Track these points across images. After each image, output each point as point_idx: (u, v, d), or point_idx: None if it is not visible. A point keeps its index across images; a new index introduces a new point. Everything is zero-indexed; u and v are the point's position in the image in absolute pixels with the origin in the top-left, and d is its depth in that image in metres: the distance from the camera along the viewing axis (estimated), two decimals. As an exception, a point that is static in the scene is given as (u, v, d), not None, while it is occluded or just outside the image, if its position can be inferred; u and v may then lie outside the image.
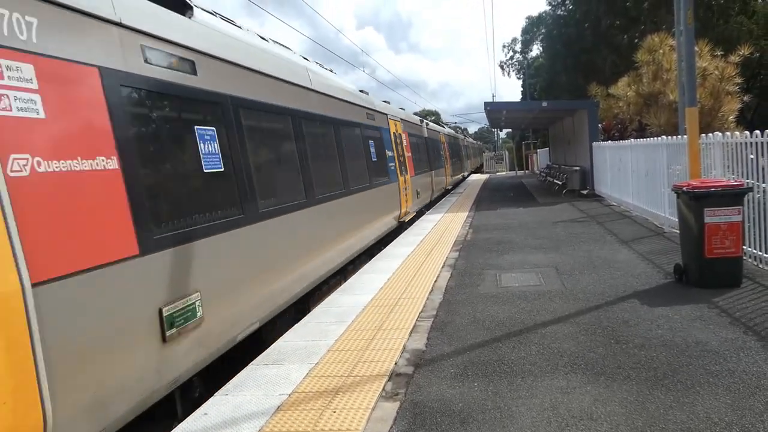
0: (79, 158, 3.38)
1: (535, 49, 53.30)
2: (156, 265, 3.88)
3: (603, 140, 18.06)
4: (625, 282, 6.72)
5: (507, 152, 55.25)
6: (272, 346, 5.31)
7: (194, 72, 4.80)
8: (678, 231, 6.95)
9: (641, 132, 16.88)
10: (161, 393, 3.91)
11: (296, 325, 5.92)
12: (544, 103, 20.11)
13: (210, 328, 4.45)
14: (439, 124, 32.55)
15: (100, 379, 3.32)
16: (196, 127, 4.72)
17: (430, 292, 6.86)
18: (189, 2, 5.49)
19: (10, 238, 2.84)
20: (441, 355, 4.77)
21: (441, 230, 12.32)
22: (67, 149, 3.32)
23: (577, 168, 18.82)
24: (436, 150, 21.66)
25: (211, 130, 4.92)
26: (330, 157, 8.31)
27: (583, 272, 7.38)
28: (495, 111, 22.05)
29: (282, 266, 6.00)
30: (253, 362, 4.90)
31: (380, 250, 10.26)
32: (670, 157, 10.21)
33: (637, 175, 12.44)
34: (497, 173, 43.44)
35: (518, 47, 56.42)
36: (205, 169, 4.72)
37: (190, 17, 5.40)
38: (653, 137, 11.80)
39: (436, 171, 20.54)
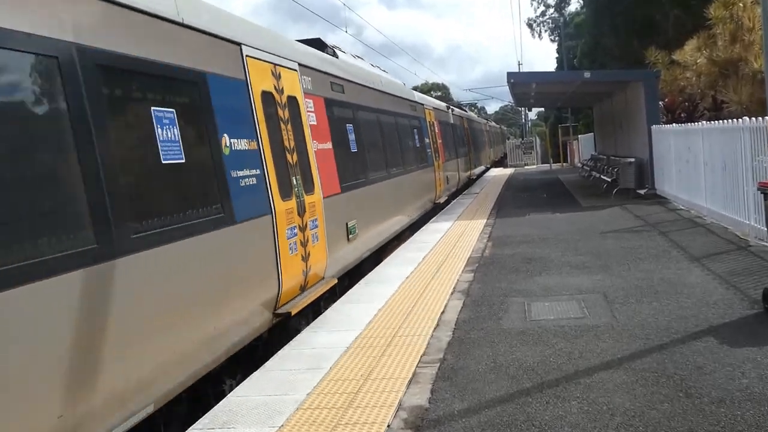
0: (323, 143, 9.16)
1: (574, 3, 53.68)
2: (344, 199, 9.62)
3: (665, 122, 18.13)
4: (698, 313, 6.71)
5: (538, 139, 55.41)
6: (221, 402, 5.25)
7: (343, 92, 10.89)
8: None
9: (716, 111, 16.96)
10: (345, 269, 9.50)
11: (255, 374, 5.92)
12: (587, 74, 20.14)
13: (359, 241, 10.25)
14: (451, 103, 32.98)
15: (333, 248, 8.81)
16: (346, 124, 10.80)
17: (435, 328, 6.85)
18: (327, 44, 11.83)
19: (319, 179, 8.64)
20: (450, 415, 4.73)
21: (450, 243, 12.36)
22: (321, 138, 9.11)
23: (632, 160, 18.88)
24: (460, 137, 27.80)
25: (350, 125, 11.03)
26: (394, 142, 14.53)
27: (641, 300, 7.38)
28: (522, 84, 22.14)
29: (379, 217, 12.00)
30: (194, 426, 4.82)
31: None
32: (756, 145, 10.23)
33: (712, 169, 12.48)
34: (526, 166, 43.60)
35: (552, 0, 56.81)
36: (351, 149, 10.68)
37: (337, 57, 11.69)
38: (732, 119, 11.82)
39: (462, 159, 26.90)
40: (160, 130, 5.31)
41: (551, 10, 57.70)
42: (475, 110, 53.05)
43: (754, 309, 6.69)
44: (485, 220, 15.45)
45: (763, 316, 6.44)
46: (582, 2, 45.53)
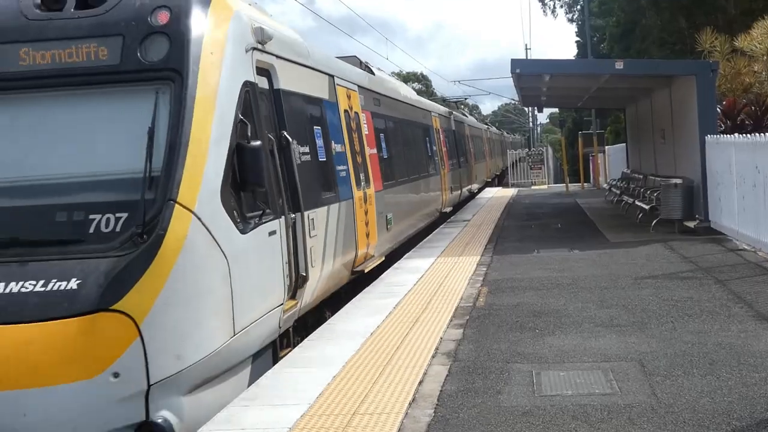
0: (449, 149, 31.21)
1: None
2: (447, 177, 29.23)
3: (724, 132, 18.24)
4: (768, 392, 6.76)
5: (550, 150, 56.00)
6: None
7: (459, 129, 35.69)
8: None
9: None
10: (447, 208, 29.11)
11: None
12: (619, 64, 20.27)
13: (449, 198, 29.48)
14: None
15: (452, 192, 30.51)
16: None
17: (410, 404, 6.85)
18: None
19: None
20: None
21: (432, 287, 12.41)
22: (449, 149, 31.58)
23: (678, 181, 18.97)
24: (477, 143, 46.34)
25: (452, 134, 34.69)
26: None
27: (690, 372, 7.40)
28: (530, 76, 22.33)
29: (454, 184, 31.60)
30: None
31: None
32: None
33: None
34: (533, 186, 43.94)
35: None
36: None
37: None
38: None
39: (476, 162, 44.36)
40: (431, 145, 25.16)
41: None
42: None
43: (843, 388, 6.77)
44: (478, 258, 15.56)
45: None
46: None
